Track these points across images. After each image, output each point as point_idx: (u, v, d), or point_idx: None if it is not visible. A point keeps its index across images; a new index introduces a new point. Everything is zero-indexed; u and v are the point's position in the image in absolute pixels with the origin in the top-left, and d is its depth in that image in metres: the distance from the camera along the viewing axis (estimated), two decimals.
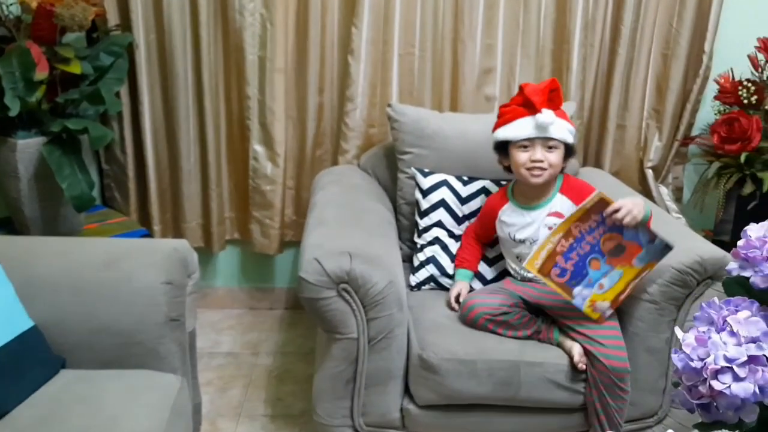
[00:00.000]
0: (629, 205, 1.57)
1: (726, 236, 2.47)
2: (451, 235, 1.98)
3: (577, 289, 1.61)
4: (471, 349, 1.67)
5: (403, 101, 2.34)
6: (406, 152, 2.08)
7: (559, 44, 2.39)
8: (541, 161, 1.74)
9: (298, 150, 2.47)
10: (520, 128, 1.74)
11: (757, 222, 2.64)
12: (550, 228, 1.71)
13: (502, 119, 1.80)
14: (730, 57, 2.42)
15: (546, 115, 1.70)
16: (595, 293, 1.62)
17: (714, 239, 2.39)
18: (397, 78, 2.37)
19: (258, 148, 2.40)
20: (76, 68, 1.88)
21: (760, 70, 2.35)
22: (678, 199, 2.64)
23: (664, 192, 2.59)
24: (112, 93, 2.02)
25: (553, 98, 1.74)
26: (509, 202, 1.86)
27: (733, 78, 2.40)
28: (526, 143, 1.75)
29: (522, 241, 1.80)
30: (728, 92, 2.37)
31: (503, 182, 2.01)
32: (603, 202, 1.57)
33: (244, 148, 2.44)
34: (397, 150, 2.11)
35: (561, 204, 1.78)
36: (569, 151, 1.79)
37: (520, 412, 1.71)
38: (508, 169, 1.85)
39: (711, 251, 1.69)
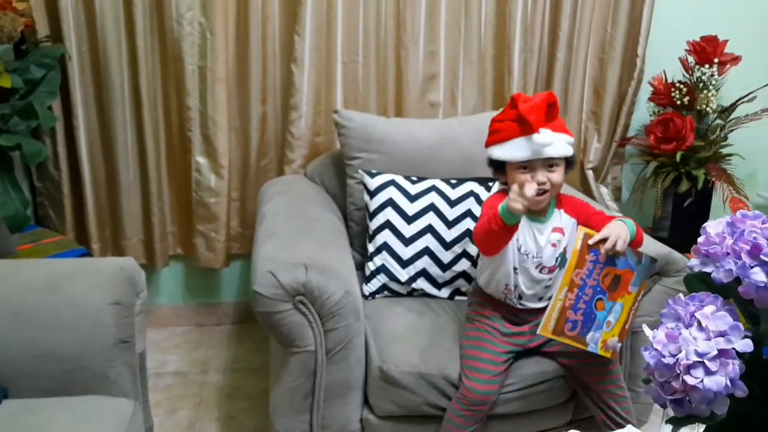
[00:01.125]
0: (614, 230, 1.49)
1: (664, 233, 2.56)
2: (400, 237, 1.95)
3: (589, 336, 1.52)
4: (432, 363, 1.65)
5: (348, 109, 2.32)
6: (355, 157, 2.06)
7: (500, 50, 2.43)
8: (544, 183, 1.58)
9: (242, 161, 2.42)
10: (516, 149, 1.57)
11: (694, 218, 2.73)
12: (553, 245, 1.64)
13: (495, 136, 1.63)
14: (662, 60, 2.51)
15: (544, 136, 1.54)
16: (604, 332, 1.53)
17: (653, 236, 2.46)
18: (341, 86, 2.35)
19: (200, 159, 2.34)
20: (5, 82, 1.79)
21: (690, 72, 2.45)
22: (617, 199, 2.72)
23: (604, 192, 2.66)
24: (45, 107, 1.94)
25: (551, 112, 1.58)
26: None
27: (666, 80, 2.49)
28: (525, 164, 1.59)
29: (525, 254, 1.64)
30: (662, 94, 2.46)
31: (453, 181, 2.02)
32: (588, 237, 1.50)
33: (185, 160, 2.37)
34: (345, 156, 2.09)
35: (561, 219, 1.66)
36: (570, 163, 1.64)
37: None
38: (506, 184, 1.68)
39: (657, 248, 1.74)
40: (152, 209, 2.37)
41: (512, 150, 1.58)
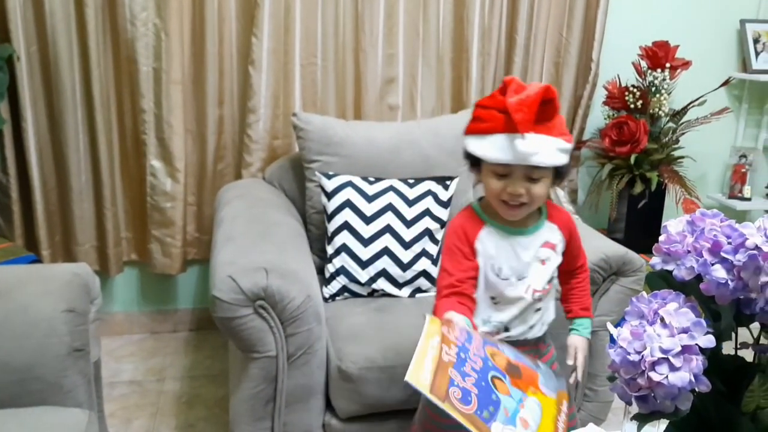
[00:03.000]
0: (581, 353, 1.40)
1: (619, 234, 2.60)
2: (359, 238, 1.94)
3: (495, 426, 0.99)
4: (389, 354, 1.65)
5: (307, 112, 2.31)
6: (314, 161, 2.05)
7: (458, 53, 2.44)
8: (521, 195, 1.28)
9: (198, 164, 2.38)
10: (495, 147, 1.26)
11: (648, 219, 2.78)
12: (543, 262, 1.36)
13: (475, 125, 1.31)
14: (616, 64, 2.57)
15: (529, 142, 1.22)
16: None
17: (609, 237, 2.51)
18: (299, 89, 2.34)
19: (156, 163, 2.29)
20: None
21: (643, 76, 2.51)
22: (573, 201, 2.76)
23: (561, 194, 2.70)
24: None
25: (546, 111, 1.25)
26: (486, 225, 1.35)
27: (620, 84, 2.54)
28: (503, 169, 1.28)
29: (506, 278, 1.34)
30: (616, 98, 2.52)
31: (410, 180, 2.01)
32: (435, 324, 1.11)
33: (140, 164, 2.32)
34: (303, 159, 2.08)
35: (552, 234, 1.38)
36: (560, 173, 1.33)
37: None
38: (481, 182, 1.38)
39: (614, 248, 1.77)
40: (105, 214, 2.31)
41: (490, 148, 1.27)
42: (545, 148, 1.24)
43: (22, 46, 2.09)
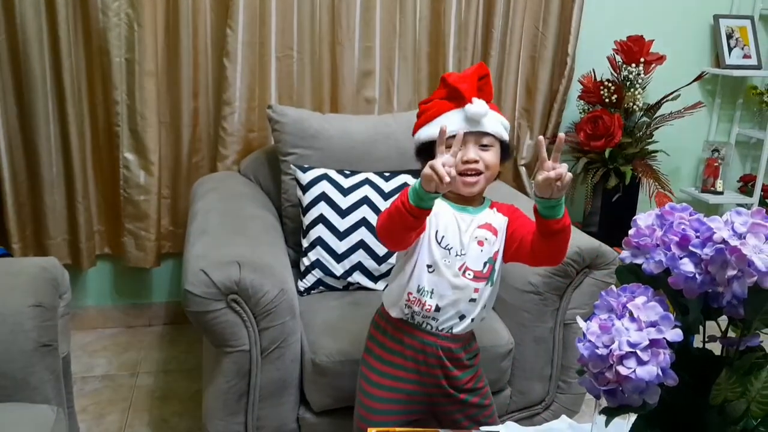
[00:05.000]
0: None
1: (594, 227, 2.62)
2: (334, 231, 1.93)
3: None
4: (363, 347, 1.64)
5: (283, 104, 2.28)
6: (289, 153, 2.03)
7: (434, 47, 2.43)
8: (476, 161, 1.35)
9: (173, 157, 2.35)
10: (446, 124, 1.31)
11: (622, 213, 2.79)
12: (480, 243, 1.37)
13: (424, 117, 1.42)
14: (591, 59, 2.58)
15: (477, 105, 1.34)
16: None
17: (583, 231, 2.52)
18: (275, 81, 2.32)
19: (129, 156, 2.26)
20: None
21: (618, 71, 2.52)
22: None
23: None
24: None
25: (483, 87, 1.39)
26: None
27: (595, 78, 2.55)
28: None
29: (446, 248, 1.37)
30: (591, 92, 2.53)
31: (386, 173, 2.00)
32: None
33: (113, 156, 2.29)
34: (279, 152, 2.06)
35: (492, 217, 1.40)
36: (505, 151, 1.41)
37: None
38: None
39: (588, 242, 1.78)
40: (78, 207, 2.27)
41: (441, 124, 1.30)
42: (491, 116, 1.36)
43: None
